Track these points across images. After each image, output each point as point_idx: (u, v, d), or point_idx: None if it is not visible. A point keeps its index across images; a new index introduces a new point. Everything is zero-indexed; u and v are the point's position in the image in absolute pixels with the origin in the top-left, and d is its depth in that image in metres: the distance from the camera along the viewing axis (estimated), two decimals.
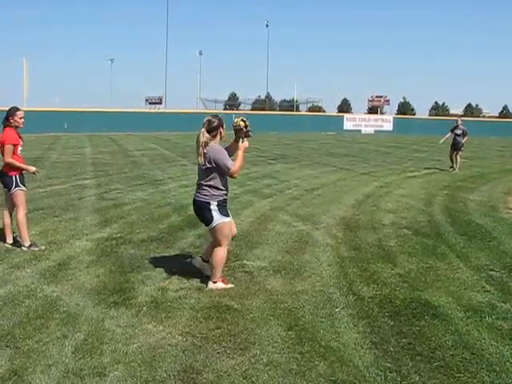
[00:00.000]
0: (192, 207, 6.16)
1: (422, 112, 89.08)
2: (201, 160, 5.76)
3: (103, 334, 4.69)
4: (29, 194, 11.53)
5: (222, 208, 5.87)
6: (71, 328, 4.79)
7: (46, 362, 4.17)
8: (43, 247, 7.36)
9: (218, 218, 5.81)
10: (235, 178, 5.93)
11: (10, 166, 7.26)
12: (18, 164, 7.27)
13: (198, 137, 5.79)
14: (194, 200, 5.96)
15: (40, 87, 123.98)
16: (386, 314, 5.28)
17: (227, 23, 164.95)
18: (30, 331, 4.71)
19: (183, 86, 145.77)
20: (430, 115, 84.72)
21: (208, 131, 5.79)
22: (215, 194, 5.83)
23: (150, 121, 46.31)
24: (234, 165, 5.77)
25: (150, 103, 75.52)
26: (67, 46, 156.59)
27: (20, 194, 7.37)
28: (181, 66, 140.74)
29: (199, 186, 5.90)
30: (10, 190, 7.35)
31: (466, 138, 19.33)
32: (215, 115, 6.04)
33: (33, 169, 7.46)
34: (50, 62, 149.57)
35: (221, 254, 5.93)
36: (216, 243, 5.98)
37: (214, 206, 5.80)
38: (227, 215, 5.91)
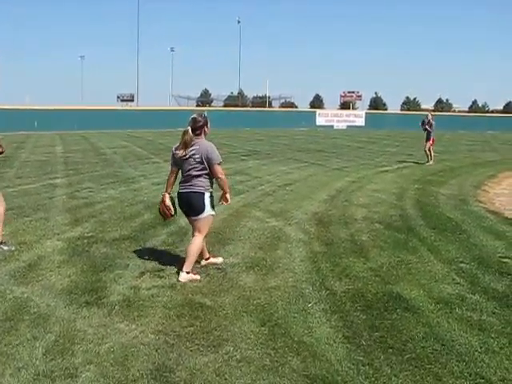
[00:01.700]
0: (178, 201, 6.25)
1: (394, 107, 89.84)
2: (185, 155, 5.93)
3: (75, 335, 4.64)
4: None
5: (212, 200, 6.12)
6: (42, 329, 4.73)
7: (15, 365, 4.10)
8: (13, 248, 7.26)
9: (208, 209, 6.08)
10: (219, 177, 6.08)
11: None
12: None
13: (184, 134, 5.95)
14: (184, 192, 6.09)
15: (10, 85, 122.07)
16: (359, 308, 5.31)
17: (199, 19, 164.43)
18: None
19: (155, 82, 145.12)
20: (401, 110, 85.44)
21: (193, 129, 5.94)
22: (208, 185, 6.08)
23: (122, 118, 45.85)
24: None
25: (122, 100, 74.85)
26: (37, 43, 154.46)
27: None
28: (152, 62, 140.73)
29: (189, 179, 6.03)
30: None
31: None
32: (200, 113, 6.25)
33: None
34: (19, 60, 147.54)
35: (199, 244, 6.17)
36: (197, 233, 6.16)
37: (207, 197, 6.04)
38: (214, 208, 6.17)
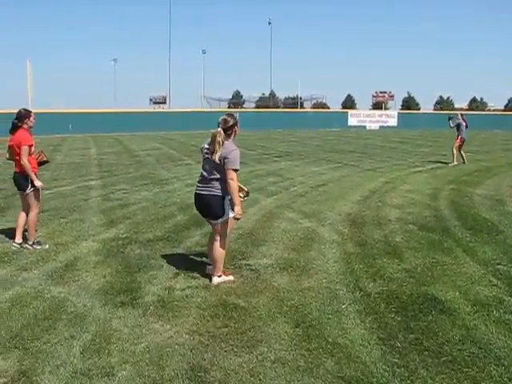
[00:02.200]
0: (196, 202, 6.18)
1: (427, 107, 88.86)
2: (215, 157, 5.81)
3: (111, 334, 4.71)
4: None
5: (231, 203, 6.00)
6: (79, 328, 4.81)
7: (54, 363, 4.19)
8: (47, 246, 7.47)
9: (228, 212, 6.00)
10: (228, 181, 5.83)
11: (24, 167, 7.34)
12: (29, 171, 7.30)
13: (214, 135, 5.85)
14: (203, 194, 5.98)
15: (44, 89, 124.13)
16: (393, 309, 5.27)
17: (230, 21, 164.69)
18: (38, 332, 4.73)
19: (187, 84, 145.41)
20: (434, 110, 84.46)
21: (224, 130, 5.88)
22: (227, 189, 5.94)
23: (154, 120, 46.28)
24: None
25: (154, 103, 75.46)
26: (70, 46, 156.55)
27: (33, 194, 7.47)
28: (184, 64, 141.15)
29: (209, 180, 5.93)
30: (24, 190, 7.46)
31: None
32: (230, 114, 6.17)
33: (39, 184, 7.44)
34: (52, 64, 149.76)
35: (223, 247, 6.11)
36: (218, 237, 6.07)
37: (227, 201, 5.97)
38: (232, 211, 6.05)
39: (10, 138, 7.48)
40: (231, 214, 6.04)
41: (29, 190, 7.42)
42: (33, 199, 7.50)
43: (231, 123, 5.94)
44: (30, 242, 7.46)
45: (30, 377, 3.99)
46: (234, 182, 5.80)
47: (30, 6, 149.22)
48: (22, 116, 7.44)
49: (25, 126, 7.42)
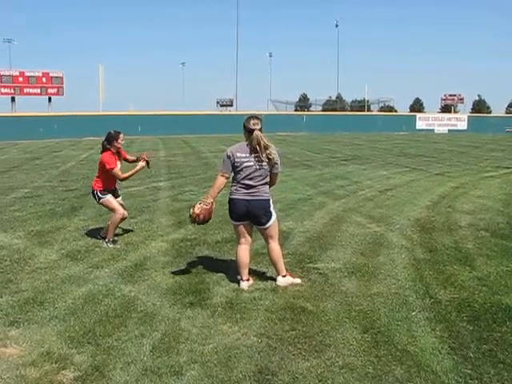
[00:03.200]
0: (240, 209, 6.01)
1: (499, 110, 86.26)
2: (263, 160, 5.79)
3: (179, 334, 4.77)
4: None
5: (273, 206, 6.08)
6: (148, 327, 4.90)
7: (125, 360, 4.28)
8: (119, 245, 7.72)
9: (274, 215, 6.04)
10: (274, 185, 6.10)
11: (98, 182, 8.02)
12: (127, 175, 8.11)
13: (258, 139, 5.74)
14: (251, 200, 5.88)
15: (114, 91, 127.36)
16: (465, 318, 5.13)
17: (296, 24, 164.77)
18: (110, 329, 4.85)
19: (254, 87, 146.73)
20: (506, 113, 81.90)
21: (261, 131, 5.84)
22: (269, 193, 6.03)
23: (221, 123, 46.77)
24: None
25: (221, 105, 76.11)
26: (140, 49, 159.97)
27: (106, 201, 8.04)
28: (251, 67, 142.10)
29: (255, 187, 5.86)
30: (98, 201, 8.17)
31: None
32: (256, 116, 6.04)
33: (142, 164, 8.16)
34: (122, 66, 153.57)
35: (279, 247, 6.14)
36: (271, 239, 6.08)
37: (272, 204, 6.02)
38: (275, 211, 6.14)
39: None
40: (275, 216, 6.08)
41: (99, 200, 8.09)
42: (111, 205, 8.03)
43: (260, 125, 5.84)
44: (106, 240, 7.77)
45: (102, 372, 4.09)
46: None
47: (99, 9, 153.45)
48: (111, 137, 7.92)
49: (113, 149, 7.90)
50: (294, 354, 4.39)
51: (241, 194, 5.92)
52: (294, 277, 6.15)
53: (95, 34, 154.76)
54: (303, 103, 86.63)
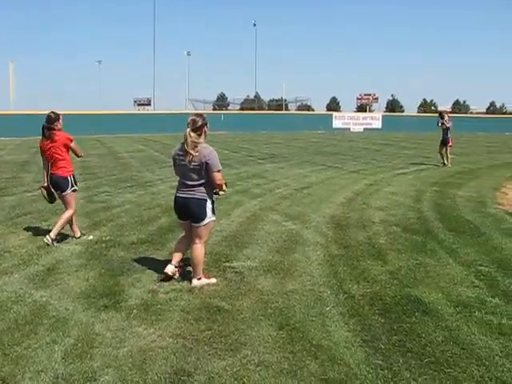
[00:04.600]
0: (176, 205, 6.15)
1: (411, 109, 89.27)
2: (188, 159, 5.78)
3: (93, 338, 4.67)
4: (17, 199, 11.51)
5: (213, 205, 6.06)
6: (61, 333, 4.76)
7: (35, 368, 4.13)
8: (56, 244, 7.64)
9: (210, 215, 6.00)
10: (218, 184, 5.95)
11: (67, 166, 7.80)
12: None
13: (185, 137, 5.80)
14: (186, 197, 5.93)
15: (26, 90, 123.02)
16: (377, 311, 5.28)
17: (215, 23, 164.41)
18: (19, 337, 4.67)
19: (172, 86, 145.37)
20: (418, 112, 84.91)
21: (193, 130, 5.80)
22: (209, 192, 5.98)
23: (138, 122, 46.16)
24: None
25: (139, 104, 75.25)
26: (54, 48, 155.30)
27: (73, 194, 7.91)
28: (169, 66, 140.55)
29: (191, 186, 5.89)
30: (63, 191, 7.83)
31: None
32: (199, 114, 6.08)
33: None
34: (36, 65, 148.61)
35: (202, 249, 6.13)
36: (198, 240, 6.06)
37: (209, 204, 5.97)
38: (214, 213, 6.13)
39: (45, 142, 7.81)
40: (213, 218, 6.07)
41: (68, 190, 7.83)
42: (74, 199, 7.98)
43: (200, 123, 5.83)
44: (53, 236, 7.71)
45: (9, 383, 3.94)
46: (221, 181, 5.94)
47: (12, 9, 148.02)
48: (52, 119, 7.82)
49: (57, 128, 7.80)
50: (209, 354, 4.39)
51: (180, 192, 6.04)
52: (209, 278, 6.14)
53: (8, 33, 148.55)
54: (221, 102, 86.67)
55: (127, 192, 12.77)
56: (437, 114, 21.81)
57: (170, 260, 6.29)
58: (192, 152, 5.75)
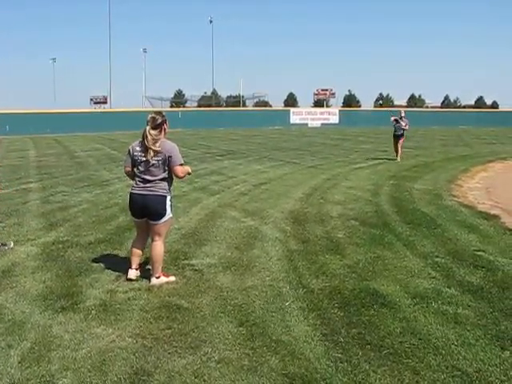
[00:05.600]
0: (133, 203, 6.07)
1: (368, 104, 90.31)
2: (150, 156, 5.76)
3: (51, 341, 4.59)
4: None
5: (172, 202, 6.06)
6: (17, 337, 4.66)
7: None
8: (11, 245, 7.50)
9: (169, 212, 6.00)
10: (181, 177, 6.05)
11: None
12: None
13: (144, 135, 5.76)
14: (145, 195, 5.88)
15: None
16: (336, 305, 5.33)
17: (171, 19, 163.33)
18: None
19: (128, 84, 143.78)
20: (375, 107, 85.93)
21: (153, 128, 5.77)
22: (169, 188, 6.01)
23: (95, 121, 45.63)
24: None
25: (95, 103, 74.17)
26: (6, 48, 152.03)
27: None
28: (125, 63, 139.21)
29: (152, 181, 5.87)
30: None
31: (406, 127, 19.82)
32: (158, 112, 6.06)
33: None
34: None
35: (162, 247, 6.12)
36: (157, 237, 6.05)
37: (168, 201, 5.95)
38: (172, 210, 6.11)
39: None
40: (171, 215, 6.07)
41: None
42: None
43: (160, 121, 5.82)
44: None
45: None
46: (184, 174, 6.03)
47: None
48: None
49: None
50: (169, 353, 4.36)
51: (137, 189, 5.96)
52: (168, 276, 6.10)
53: None
54: (178, 99, 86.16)
55: (84, 191, 12.59)
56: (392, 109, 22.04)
57: (130, 264, 6.18)
58: (153, 147, 5.73)
